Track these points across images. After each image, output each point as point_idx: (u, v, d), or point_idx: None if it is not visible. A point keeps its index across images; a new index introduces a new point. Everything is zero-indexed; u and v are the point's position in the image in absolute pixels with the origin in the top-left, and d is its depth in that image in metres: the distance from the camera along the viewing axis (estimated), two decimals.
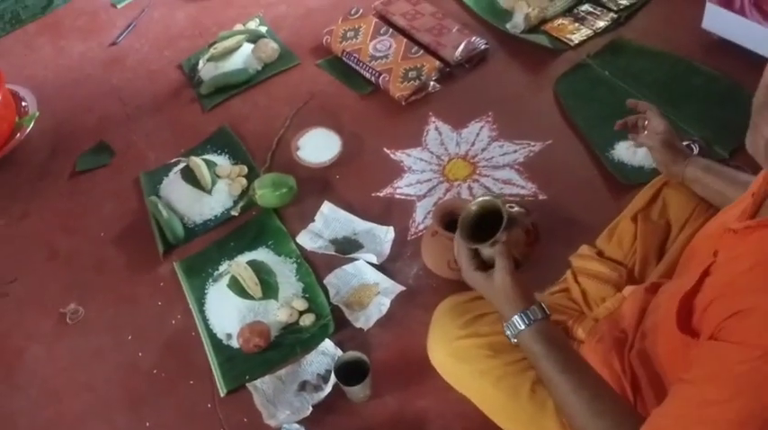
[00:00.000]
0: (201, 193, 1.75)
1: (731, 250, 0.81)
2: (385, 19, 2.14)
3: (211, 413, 1.40)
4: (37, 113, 2.06)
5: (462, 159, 1.75)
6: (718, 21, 1.78)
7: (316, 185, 1.75)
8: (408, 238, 1.61)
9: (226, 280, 1.56)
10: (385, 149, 1.81)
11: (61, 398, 1.50)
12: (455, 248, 1.04)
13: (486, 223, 0.99)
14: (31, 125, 2.03)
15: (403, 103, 1.89)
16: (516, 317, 0.97)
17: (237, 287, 1.54)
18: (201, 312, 1.56)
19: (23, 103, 2.11)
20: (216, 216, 1.74)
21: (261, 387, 1.40)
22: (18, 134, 2.01)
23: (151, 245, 1.71)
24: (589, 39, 1.97)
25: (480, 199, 1.01)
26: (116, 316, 1.61)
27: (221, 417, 1.39)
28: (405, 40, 2.02)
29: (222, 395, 1.42)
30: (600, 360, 1.04)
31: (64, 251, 1.77)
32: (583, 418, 0.89)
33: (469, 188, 1.68)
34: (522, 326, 0.96)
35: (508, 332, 0.98)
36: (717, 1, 1.74)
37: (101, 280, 1.69)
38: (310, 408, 1.33)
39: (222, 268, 1.62)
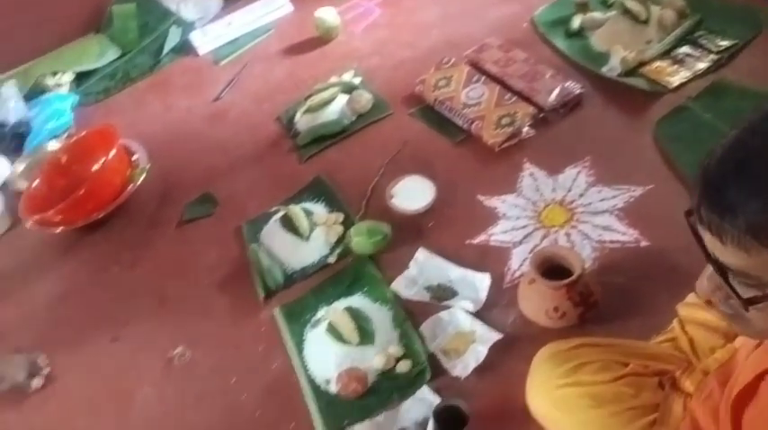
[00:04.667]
0: (300, 241, 1.81)
1: None
2: (477, 67, 2.16)
3: None
4: (148, 166, 2.20)
5: (559, 205, 1.73)
6: None
7: (410, 232, 1.77)
8: (504, 286, 1.60)
9: (324, 325, 1.59)
10: (479, 196, 1.82)
11: None
12: None
13: None
14: (142, 177, 2.17)
15: (496, 150, 1.90)
16: None
17: (335, 333, 1.56)
18: (301, 357, 1.59)
19: (135, 157, 2.26)
20: (313, 263, 1.79)
21: None
22: (130, 186, 2.15)
23: (252, 291, 1.77)
24: (689, 81, 1.92)
25: None
26: (221, 359, 1.67)
27: None
28: (497, 86, 2.04)
29: None
30: (709, 417, 0.99)
31: (172, 297, 1.86)
32: None
33: (567, 235, 1.65)
34: None
35: None
36: None
37: (206, 325, 1.76)
38: None
39: (320, 314, 1.65)
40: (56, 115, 2.53)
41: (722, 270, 0.67)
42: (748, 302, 0.65)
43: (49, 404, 1.71)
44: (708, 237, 0.68)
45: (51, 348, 1.81)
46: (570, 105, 1.96)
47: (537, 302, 1.44)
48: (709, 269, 0.70)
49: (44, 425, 1.67)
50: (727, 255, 0.66)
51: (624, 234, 1.61)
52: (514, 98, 1.99)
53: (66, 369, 1.77)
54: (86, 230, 2.11)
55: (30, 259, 2.13)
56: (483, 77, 2.09)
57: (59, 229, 2.08)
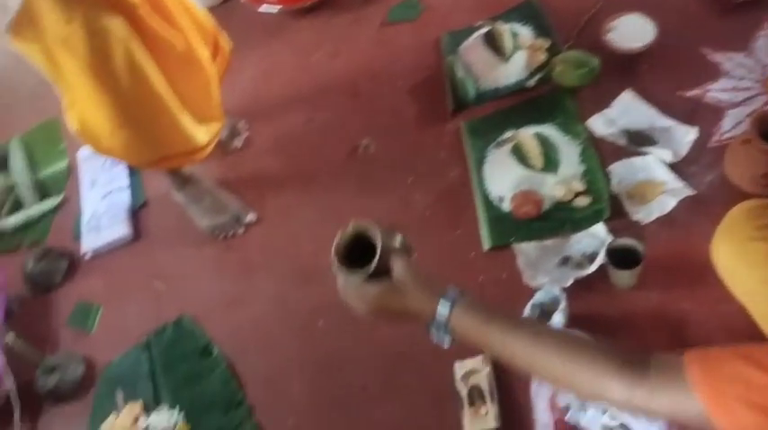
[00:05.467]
0: (499, 60, 1.76)
1: None
2: None
3: (473, 262, 1.49)
4: None
5: None
6: None
7: (619, 71, 1.67)
8: (709, 145, 1.49)
9: (509, 146, 1.59)
10: (703, 48, 1.66)
11: (342, 217, 1.66)
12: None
13: (362, 249, 0.88)
14: None
15: (736, 1, 1.69)
16: (441, 301, 0.85)
17: (519, 155, 1.57)
18: (479, 172, 1.62)
19: None
20: (509, 85, 1.75)
21: (525, 250, 1.44)
22: None
23: (442, 101, 1.78)
24: None
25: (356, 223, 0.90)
26: (401, 158, 1.74)
27: (481, 267, 1.47)
28: None
29: (485, 249, 1.50)
30: None
31: (365, 91, 1.93)
32: (558, 370, 0.79)
33: None
34: (447, 308, 0.84)
35: (436, 330, 0.86)
36: None
37: (393, 123, 1.82)
38: (571, 281, 1.35)
39: (506, 135, 1.64)
40: None
41: None
42: None
43: (244, 163, 1.90)
44: None
45: (251, 117, 1.97)
46: None
47: (746, 165, 1.35)
48: None
49: (238, 179, 1.86)
50: None
51: None
52: None
53: (262, 136, 1.94)
54: (295, 15, 2.19)
55: (240, 33, 2.22)
56: None
57: (271, 9, 2.17)
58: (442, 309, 0.85)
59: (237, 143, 1.91)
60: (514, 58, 1.76)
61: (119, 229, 1.86)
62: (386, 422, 1.39)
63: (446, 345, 0.87)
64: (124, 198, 1.93)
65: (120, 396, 1.58)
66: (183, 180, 1.76)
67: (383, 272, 0.87)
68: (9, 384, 1.58)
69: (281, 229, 1.74)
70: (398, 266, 0.88)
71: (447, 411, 1.33)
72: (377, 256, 0.86)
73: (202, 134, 1.60)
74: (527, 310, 1.33)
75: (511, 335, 0.82)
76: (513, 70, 1.76)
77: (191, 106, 1.54)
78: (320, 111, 1.93)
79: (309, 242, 1.67)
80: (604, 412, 1.21)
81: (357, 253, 0.89)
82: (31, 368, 1.64)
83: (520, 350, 0.82)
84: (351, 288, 0.91)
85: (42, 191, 2.07)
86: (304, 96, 1.98)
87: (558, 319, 1.28)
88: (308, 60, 2.08)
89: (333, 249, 0.90)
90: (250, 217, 1.76)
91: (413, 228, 1.59)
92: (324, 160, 1.82)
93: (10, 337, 1.59)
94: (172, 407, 1.53)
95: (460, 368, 1.35)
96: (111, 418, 1.54)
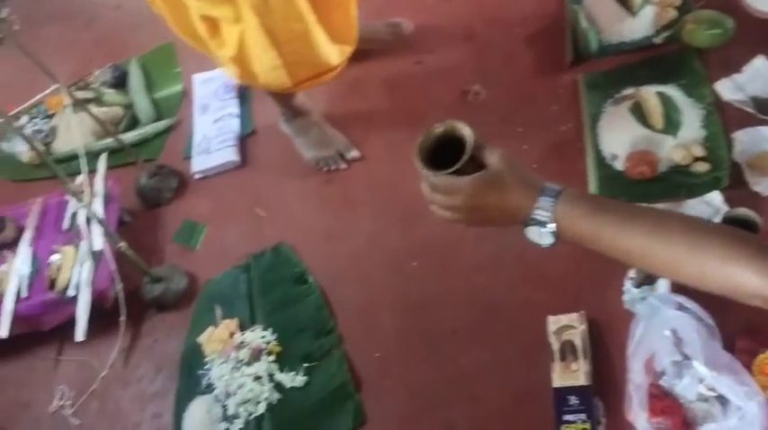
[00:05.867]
0: (626, 14, 1.71)
1: None
2: None
3: None
4: None
5: None
6: None
7: (754, 35, 1.58)
8: None
9: (628, 104, 1.55)
10: None
11: None
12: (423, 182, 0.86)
13: (447, 151, 0.83)
14: None
15: None
16: (544, 191, 0.77)
17: (639, 114, 1.52)
18: (593, 128, 1.58)
19: None
20: (633, 40, 1.69)
21: None
22: None
23: (561, 51, 1.74)
24: None
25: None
26: (511, 107, 1.71)
27: None
28: None
29: None
30: None
31: (480, 36, 1.90)
32: (684, 257, 0.71)
33: None
34: (552, 198, 0.76)
35: (535, 226, 0.78)
36: None
37: (506, 71, 1.79)
38: None
39: (627, 92, 1.59)
40: None
41: None
42: None
43: (352, 99, 1.92)
44: None
45: (360, 52, 1.93)
46: None
47: None
48: None
49: (344, 115, 1.89)
50: None
51: None
52: None
53: (371, 75, 1.94)
54: None
55: None
56: None
57: None
58: (546, 199, 0.78)
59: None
60: (643, 13, 1.69)
61: (227, 154, 1.92)
62: (472, 367, 1.40)
63: (546, 243, 0.80)
64: (234, 125, 1.99)
65: (218, 311, 1.66)
66: (293, 112, 1.79)
67: (474, 172, 0.81)
68: (118, 288, 1.68)
69: (384, 168, 1.75)
70: (495, 157, 0.81)
71: (536, 363, 1.33)
72: (469, 147, 0.81)
73: (336, 55, 1.57)
74: (629, 272, 1.30)
75: (627, 221, 0.75)
76: (639, 25, 1.69)
77: (327, 23, 1.50)
78: (432, 53, 1.91)
79: (412, 183, 1.64)
80: (701, 381, 1.18)
81: (445, 157, 0.83)
82: (138, 276, 1.73)
83: (637, 238, 0.74)
84: (441, 187, 0.83)
85: (157, 111, 2.16)
86: (416, 37, 1.96)
87: (662, 285, 1.25)
88: (424, 1, 2.05)
89: (416, 148, 0.85)
90: (354, 153, 1.79)
91: None
92: (431, 103, 1.81)
93: (123, 245, 1.68)
94: (265, 328, 1.59)
95: (554, 322, 1.34)
96: (209, 330, 1.62)
